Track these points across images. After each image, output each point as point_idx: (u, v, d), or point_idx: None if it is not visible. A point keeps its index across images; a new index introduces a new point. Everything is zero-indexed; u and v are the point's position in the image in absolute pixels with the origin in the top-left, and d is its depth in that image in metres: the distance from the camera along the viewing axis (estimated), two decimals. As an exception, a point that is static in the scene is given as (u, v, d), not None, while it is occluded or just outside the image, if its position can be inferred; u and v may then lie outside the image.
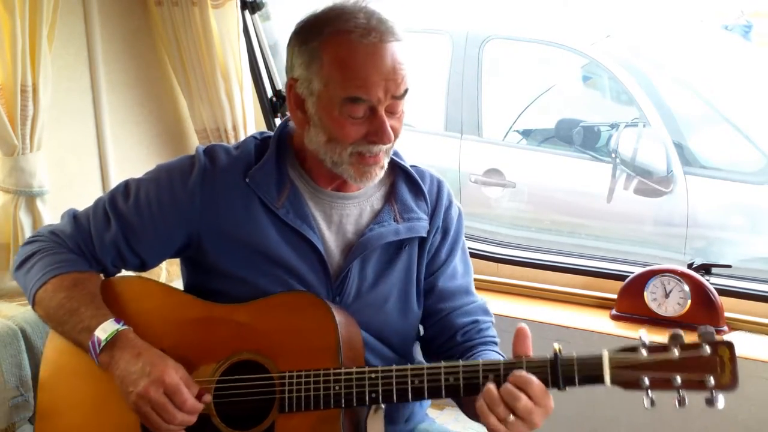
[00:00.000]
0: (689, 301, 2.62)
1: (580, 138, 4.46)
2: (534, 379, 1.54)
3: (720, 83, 4.65)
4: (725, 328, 2.60)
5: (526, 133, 4.88)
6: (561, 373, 1.55)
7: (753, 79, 4.77)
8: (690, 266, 2.73)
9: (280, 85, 3.12)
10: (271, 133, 1.89)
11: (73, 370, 1.80)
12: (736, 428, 2.49)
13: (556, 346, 1.56)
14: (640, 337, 1.54)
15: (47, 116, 2.46)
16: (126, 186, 1.85)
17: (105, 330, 1.69)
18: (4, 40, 2.32)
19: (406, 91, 1.70)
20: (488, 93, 4.73)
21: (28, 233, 2.45)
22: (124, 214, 1.81)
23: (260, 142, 1.87)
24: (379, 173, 1.76)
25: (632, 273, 2.78)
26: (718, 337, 1.50)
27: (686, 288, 2.63)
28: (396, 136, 1.73)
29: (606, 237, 4.25)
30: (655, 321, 2.67)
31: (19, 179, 2.43)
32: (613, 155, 4.26)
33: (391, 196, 1.88)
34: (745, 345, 2.50)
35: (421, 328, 1.98)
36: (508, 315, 2.73)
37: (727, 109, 4.43)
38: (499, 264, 3.06)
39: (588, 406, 2.64)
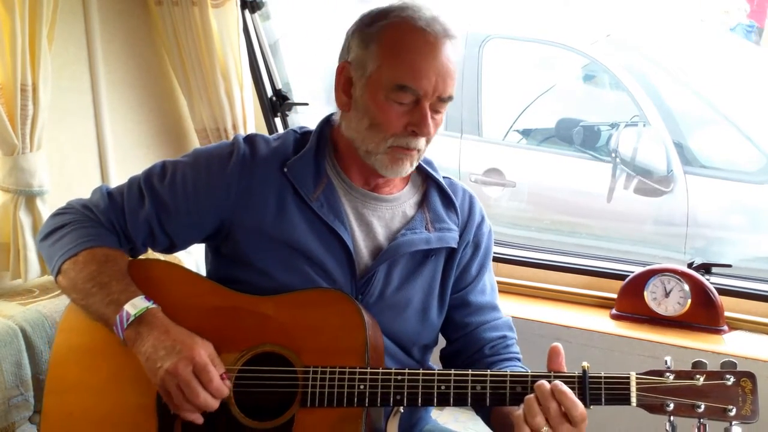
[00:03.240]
0: (689, 301, 2.62)
1: (580, 137, 4.44)
2: (568, 391, 1.54)
3: (720, 83, 4.64)
4: (725, 327, 2.60)
5: (526, 133, 4.86)
6: (588, 390, 1.57)
7: (753, 78, 4.75)
8: (690, 266, 2.73)
9: (280, 84, 3.12)
10: (311, 129, 1.90)
11: (87, 348, 1.80)
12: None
13: (585, 364, 1.59)
14: (665, 362, 1.59)
15: (47, 116, 2.46)
16: (163, 166, 1.86)
17: (135, 305, 1.69)
18: (4, 39, 2.32)
19: (451, 97, 1.72)
20: (488, 92, 4.72)
21: (28, 233, 2.45)
22: (160, 193, 1.82)
23: (300, 136, 1.89)
24: (409, 168, 1.77)
25: (632, 273, 2.77)
26: (740, 370, 1.54)
27: (686, 287, 2.63)
28: (430, 139, 1.75)
29: (606, 236, 4.24)
30: (655, 320, 2.67)
31: (19, 179, 2.43)
32: (613, 155, 4.25)
33: (423, 204, 1.90)
34: (745, 344, 2.51)
35: (443, 340, 2.00)
36: (510, 315, 2.70)
37: (727, 109, 4.40)
38: (500, 263, 3.05)
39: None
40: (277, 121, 3.13)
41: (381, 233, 1.85)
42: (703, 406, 1.52)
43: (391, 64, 1.69)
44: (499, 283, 2.93)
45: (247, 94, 2.90)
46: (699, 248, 4.09)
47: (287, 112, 3.15)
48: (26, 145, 2.42)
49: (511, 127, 4.83)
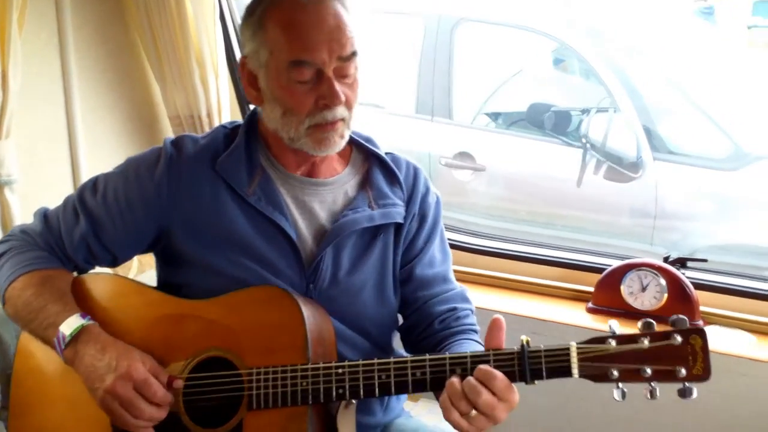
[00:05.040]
0: (666, 295, 2.63)
1: (551, 122, 4.42)
2: (498, 374, 1.50)
3: (689, 69, 4.67)
4: (700, 322, 2.61)
5: (495, 116, 4.86)
6: (528, 366, 1.51)
7: (722, 65, 4.78)
8: (666, 260, 2.74)
9: (256, 71, 3.05)
10: (241, 122, 1.86)
11: (46, 367, 1.77)
12: (712, 423, 2.51)
13: (524, 338, 1.52)
14: (610, 327, 1.50)
15: (17, 103, 2.40)
16: (95, 181, 1.83)
17: (70, 325, 1.65)
18: (-27, 25, 2.25)
19: (354, 53, 1.68)
20: (460, 76, 4.70)
21: (-4, 222, 2.39)
22: (92, 209, 1.79)
23: (230, 131, 1.85)
24: (339, 142, 1.73)
25: (609, 266, 2.78)
26: (689, 325, 1.47)
27: (663, 282, 2.64)
28: (350, 104, 1.70)
29: (581, 228, 4.26)
30: (632, 314, 2.67)
31: (-14, 168, 2.36)
32: (584, 140, 4.27)
33: (365, 183, 1.86)
34: (720, 340, 2.53)
35: (400, 317, 1.97)
36: (484, 307, 2.70)
37: (696, 96, 4.44)
38: (476, 255, 3.05)
39: (560, 398, 2.65)
40: (252, 106, 3.04)
41: (324, 217, 1.81)
42: (649, 370, 1.45)
43: (281, 46, 1.66)
44: (475, 274, 2.99)
45: (222, 81, 2.84)
46: (667, 236, 4.13)
47: (261, 99, 3.07)
48: (-6, 133, 2.35)
49: (480, 110, 4.82)
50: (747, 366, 2.43)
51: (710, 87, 4.56)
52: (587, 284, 2.84)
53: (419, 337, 1.90)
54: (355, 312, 1.82)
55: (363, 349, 1.84)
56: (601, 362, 1.47)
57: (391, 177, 1.88)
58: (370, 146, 1.88)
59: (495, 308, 2.73)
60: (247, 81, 1.76)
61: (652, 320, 1.48)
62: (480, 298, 2.82)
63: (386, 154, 1.90)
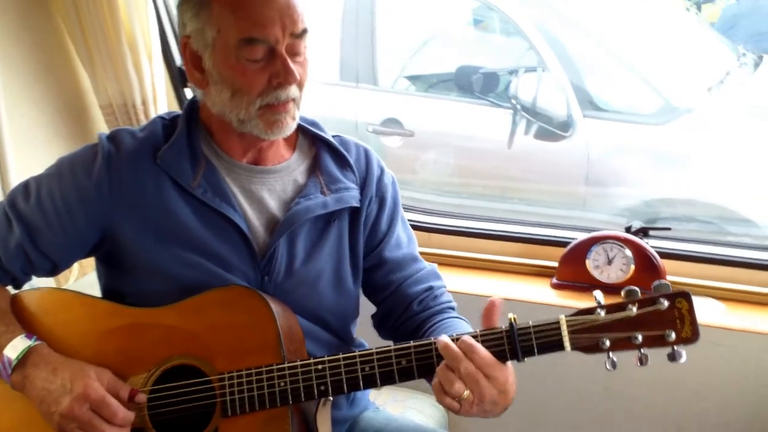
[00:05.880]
0: (632, 267, 2.59)
1: (479, 84, 4.39)
2: (478, 347, 1.47)
3: (614, 24, 4.65)
4: (667, 292, 2.57)
5: (415, 79, 4.78)
6: (519, 343, 1.49)
7: (646, 19, 4.78)
8: (628, 230, 2.69)
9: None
10: (180, 112, 1.78)
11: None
12: (685, 394, 2.50)
13: (512, 315, 1.51)
14: (595, 297, 1.50)
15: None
16: (26, 185, 1.72)
17: (15, 348, 1.57)
18: None
19: (305, 30, 1.62)
20: (383, 40, 4.60)
21: None
22: (26, 214, 1.68)
23: (168, 122, 1.77)
24: (291, 124, 1.66)
25: (570, 239, 2.72)
26: (674, 289, 1.47)
27: (629, 254, 2.59)
28: (302, 83, 1.64)
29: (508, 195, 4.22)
30: (598, 288, 2.60)
31: None
32: (513, 101, 4.24)
33: (315, 168, 1.80)
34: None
35: (358, 306, 1.89)
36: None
37: (622, 51, 4.45)
38: (431, 234, 2.94)
39: (532, 378, 2.58)
40: (188, 92, 2.88)
41: (275, 206, 1.74)
42: (640, 337, 1.46)
43: (230, 23, 1.57)
44: (431, 254, 2.88)
45: (157, 66, 2.65)
46: (598, 193, 4.14)
47: (196, 81, 2.88)
48: None
49: (400, 74, 4.73)
50: (719, 335, 2.41)
51: (635, 42, 4.56)
52: (549, 259, 2.77)
53: (398, 322, 1.86)
54: (313, 303, 1.76)
55: (325, 341, 1.78)
56: (592, 333, 1.48)
57: (341, 161, 1.82)
58: (316, 130, 1.82)
59: (454, 290, 2.61)
60: (190, 62, 1.66)
61: (635, 288, 1.49)
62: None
63: (333, 137, 1.84)
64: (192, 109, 1.76)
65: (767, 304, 2.50)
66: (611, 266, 2.62)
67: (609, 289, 2.59)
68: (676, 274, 2.60)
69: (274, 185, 1.75)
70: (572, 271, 2.67)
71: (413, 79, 4.78)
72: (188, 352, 1.61)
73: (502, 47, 4.80)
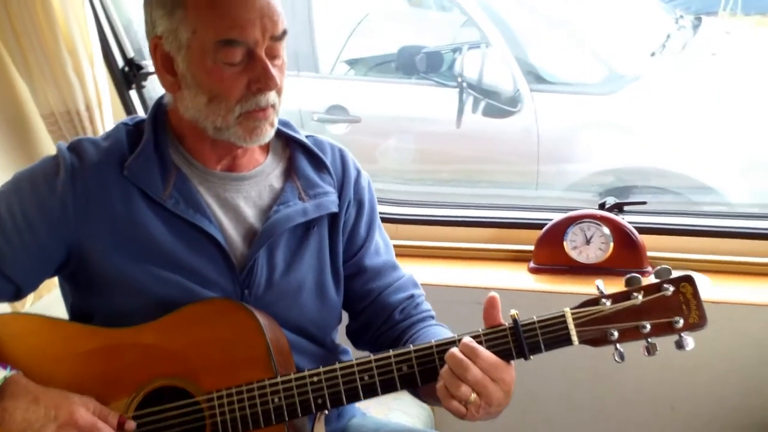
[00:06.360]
0: (611, 245, 2.52)
1: (423, 64, 4.31)
2: (480, 349, 1.42)
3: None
4: (649, 268, 2.50)
5: (354, 62, 4.71)
6: (525, 340, 1.44)
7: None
8: (602, 207, 2.63)
9: (132, 52, 2.70)
10: (144, 117, 1.67)
11: None
12: (672, 373, 2.44)
13: (514, 312, 1.46)
14: (598, 287, 1.46)
15: None
16: None
17: None
18: None
19: (285, 32, 1.54)
20: (320, 26, 4.49)
21: None
22: None
23: (132, 128, 1.66)
24: (270, 131, 1.57)
25: (544, 220, 2.64)
26: (676, 274, 1.45)
27: (607, 231, 2.52)
28: (280, 89, 1.56)
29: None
30: (576, 269, 2.56)
31: None
32: (459, 79, 4.18)
33: (291, 172, 1.71)
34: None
35: (346, 315, 1.83)
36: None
37: (563, 21, 4.41)
38: (399, 225, 2.83)
39: (518, 367, 2.51)
40: (133, 94, 2.73)
41: (251, 215, 1.66)
42: (648, 326, 1.43)
43: (207, 23, 1.49)
44: (400, 246, 2.76)
45: (99, 69, 2.49)
46: (552, 169, 4.10)
47: (143, 83, 2.75)
48: None
49: (339, 58, 4.64)
50: (707, 310, 2.36)
51: (575, 10, 4.53)
52: (524, 242, 2.68)
53: (378, 332, 1.78)
54: (295, 315, 1.68)
55: (309, 352, 1.70)
56: (599, 324, 1.44)
57: (317, 163, 1.74)
58: (290, 131, 1.73)
59: (427, 282, 2.52)
60: (161, 65, 1.56)
61: (636, 275, 1.45)
62: (411, 272, 2.64)
63: (307, 137, 1.76)
64: (158, 113, 1.65)
65: (752, 273, 2.46)
66: (590, 246, 2.55)
67: (588, 270, 2.54)
68: (656, 250, 2.54)
69: (249, 192, 1.67)
70: (550, 254, 2.59)
71: (352, 62, 4.70)
72: (171, 372, 1.53)
73: (439, 22, 4.73)
